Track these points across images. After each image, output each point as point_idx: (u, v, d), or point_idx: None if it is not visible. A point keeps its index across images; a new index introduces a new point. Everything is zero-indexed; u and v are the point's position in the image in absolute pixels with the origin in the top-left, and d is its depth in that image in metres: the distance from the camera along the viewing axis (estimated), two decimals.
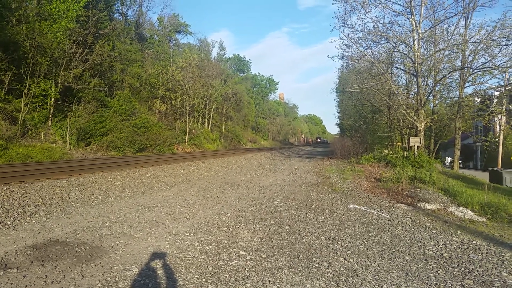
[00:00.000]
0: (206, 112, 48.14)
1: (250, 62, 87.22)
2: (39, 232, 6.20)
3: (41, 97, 21.02)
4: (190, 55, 42.10)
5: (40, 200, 8.37)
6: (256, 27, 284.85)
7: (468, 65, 21.13)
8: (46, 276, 4.38)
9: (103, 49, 26.50)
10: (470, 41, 19.91)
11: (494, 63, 18.64)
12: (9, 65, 19.40)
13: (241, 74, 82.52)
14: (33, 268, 4.59)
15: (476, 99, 23.70)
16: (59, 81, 22.34)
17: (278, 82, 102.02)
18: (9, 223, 6.70)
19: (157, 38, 47.60)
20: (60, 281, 4.26)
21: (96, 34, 28.29)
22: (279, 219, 7.69)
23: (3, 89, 19.38)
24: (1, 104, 18.83)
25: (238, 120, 62.84)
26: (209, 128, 49.12)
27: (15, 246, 5.39)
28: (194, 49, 53.09)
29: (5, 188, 8.65)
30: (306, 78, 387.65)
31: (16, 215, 7.14)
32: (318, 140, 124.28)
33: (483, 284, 4.46)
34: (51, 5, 21.48)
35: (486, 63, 19.28)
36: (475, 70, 20.68)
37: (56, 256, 5.04)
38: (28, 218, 7.12)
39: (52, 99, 21.93)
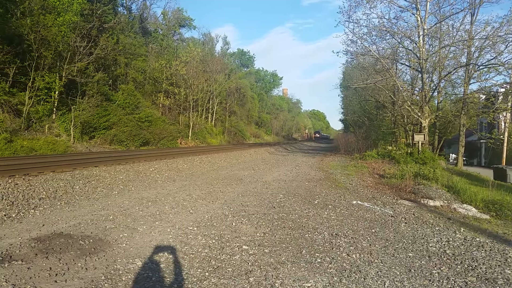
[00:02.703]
0: (210, 107, 48.13)
1: (254, 57, 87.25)
2: (43, 225, 6.23)
3: (45, 90, 21.08)
4: (194, 50, 42.06)
5: (44, 193, 8.40)
6: (260, 22, 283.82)
7: (474, 62, 21.00)
8: (50, 268, 4.41)
9: (107, 42, 26.56)
10: (476, 38, 19.80)
11: (500, 60, 18.54)
12: (14, 58, 19.46)
13: (245, 69, 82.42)
14: (38, 260, 4.62)
15: (481, 96, 23.61)
16: (63, 75, 22.41)
17: (282, 77, 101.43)
18: (13, 215, 6.73)
19: (161, 32, 47.53)
20: (64, 274, 4.29)
21: (100, 27, 28.30)
22: (282, 214, 7.69)
23: (8, 82, 19.45)
24: (5, 97, 18.89)
25: (241, 115, 62.83)
26: (213, 123, 49.14)
27: (20, 238, 5.42)
28: (198, 43, 53.05)
29: (10, 181, 8.69)
30: (310, 74, 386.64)
31: (20, 208, 7.18)
32: (317, 135, 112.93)
33: (486, 282, 4.44)
34: None
35: (491, 59, 19.17)
36: (481, 67, 20.55)
37: (60, 248, 5.06)
38: (32, 211, 7.16)
39: (56, 92, 22.00)
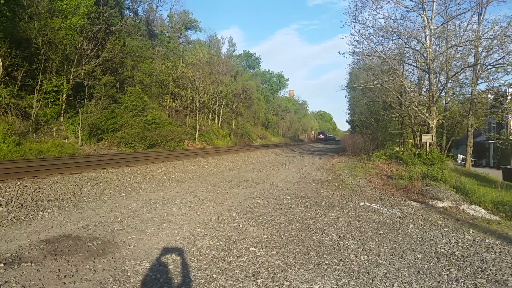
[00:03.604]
0: (216, 109, 48.21)
1: (260, 59, 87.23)
2: (52, 227, 6.27)
3: (53, 93, 21.25)
4: (200, 52, 42.13)
5: (52, 195, 8.46)
6: (266, 24, 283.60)
7: (481, 62, 20.85)
8: (59, 270, 4.43)
9: (114, 45, 26.71)
10: (483, 37, 19.67)
11: (508, 60, 18.36)
12: (22, 61, 19.64)
13: (251, 71, 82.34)
14: (46, 262, 4.65)
15: (489, 96, 23.43)
16: (71, 77, 22.57)
17: (288, 78, 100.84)
18: (22, 217, 6.79)
19: (167, 35, 47.74)
20: (72, 275, 4.31)
21: (107, 30, 28.48)
22: (289, 215, 7.68)
23: (16, 85, 19.62)
24: (14, 100, 19.05)
25: (248, 117, 62.84)
26: (219, 125, 49.21)
27: (29, 240, 5.46)
28: (204, 45, 53.12)
29: (19, 183, 8.77)
30: (316, 75, 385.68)
31: (29, 210, 7.23)
32: (321, 136, 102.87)
33: (496, 284, 4.40)
34: (62, 2, 21.65)
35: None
36: (488, 67, 20.42)
37: (69, 250, 5.09)
38: (41, 213, 7.21)
39: (64, 95, 22.17)
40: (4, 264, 4.48)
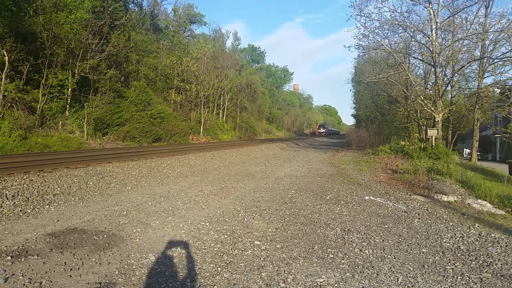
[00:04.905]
0: (221, 103, 48.19)
1: (265, 53, 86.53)
2: (58, 220, 6.32)
3: (59, 88, 21.33)
4: (204, 46, 42.06)
5: (58, 189, 8.51)
6: (270, 18, 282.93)
7: (488, 55, 20.66)
8: (65, 263, 4.46)
9: (119, 39, 26.73)
10: (490, 30, 19.45)
11: None
12: (27, 56, 19.69)
13: (256, 65, 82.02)
14: (53, 255, 4.68)
15: (495, 89, 23.23)
16: (76, 72, 22.63)
17: (293, 72, 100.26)
18: (29, 211, 6.84)
19: (172, 29, 47.65)
20: (78, 268, 4.34)
21: (111, 24, 28.47)
22: (294, 210, 7.68)
23: (22, 80, 19.69)
24: (19, 94, 19.14)
25: (252, 111, 62.75)
26: (224, 119, 49.21)
27: (35, 233, 5.50)
28: (208, 39, 52.97)
29: (25, 177, 8.82)
30: (321, 69, 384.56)
31: (35, 203, 7.28)
32: (321, 130, 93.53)
33: (502, 278, 4.38)
34: None
35: (507, 52, 18.81)
36: (495, 60, 20.23)
37: (75, 243, 5.13)
38: (47, 207, 7.25)
39: (69, 89, 22.23)
40: (11, 257, 4.52)
